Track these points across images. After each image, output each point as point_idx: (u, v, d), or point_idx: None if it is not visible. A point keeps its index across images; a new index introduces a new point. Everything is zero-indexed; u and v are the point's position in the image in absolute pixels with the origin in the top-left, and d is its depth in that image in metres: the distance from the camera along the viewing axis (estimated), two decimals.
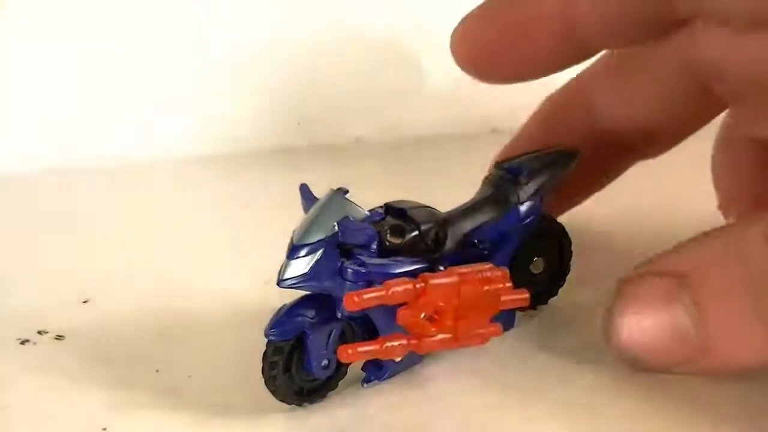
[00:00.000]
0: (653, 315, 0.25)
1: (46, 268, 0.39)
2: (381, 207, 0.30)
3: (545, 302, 0.33)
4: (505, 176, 0.32)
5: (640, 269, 0.27)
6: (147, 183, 0.50)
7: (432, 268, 0.29)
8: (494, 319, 0.29)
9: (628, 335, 0.26)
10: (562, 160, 0.32)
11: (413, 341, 0.28)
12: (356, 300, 0.26)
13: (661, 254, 0.27)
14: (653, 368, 0.26)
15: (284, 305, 0.28)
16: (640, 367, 0.26)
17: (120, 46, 0.53)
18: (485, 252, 0.31)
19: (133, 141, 0.53)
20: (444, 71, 0.57)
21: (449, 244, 0.30)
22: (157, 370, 0.31)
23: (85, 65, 0.52)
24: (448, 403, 0.29)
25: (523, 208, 0.31)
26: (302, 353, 0.28)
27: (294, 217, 0.28)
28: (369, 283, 0.27)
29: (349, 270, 0.27)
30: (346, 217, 0.27)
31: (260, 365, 0.28)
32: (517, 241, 0.31)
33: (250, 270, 0.36)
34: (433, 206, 0.31)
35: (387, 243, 0.29)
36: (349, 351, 0.27)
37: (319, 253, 0.27)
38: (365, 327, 0.29)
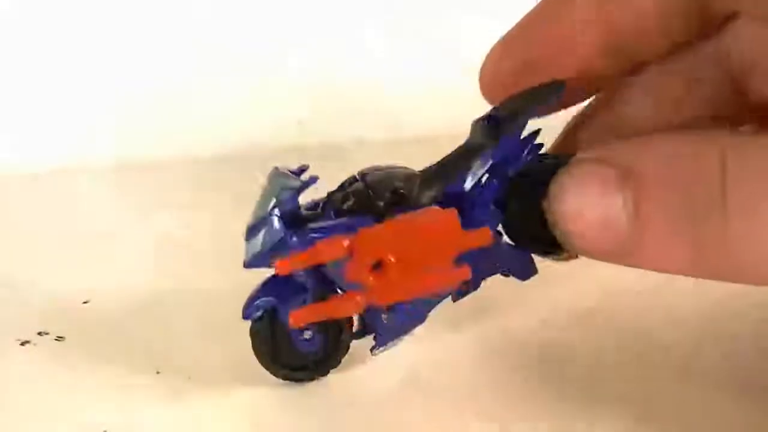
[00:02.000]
0: (592, 202, 0.26)
1: (46, 269, 0.39)
2: (354, 175, 0.30)
3: (561, 254, 0.31)
4: (484, 123, 0.30)
5: (591, 152, 0.27)
6: (147, 183, 0.50)
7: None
8: (502, 268, 0.29)
9: (565, 214, 0.26)
10: (545, 92, 0.30)
11: (370, 295, 0.28)
12: (285, 264, 0.27)
13: (615, 142, 0.27)
14: (583, 253, 0.27)
15: (257, 285, 0.29)
16: (572, 247, 0.27)
17: (120, 47, 0.53)
18: (466, 199, 0.29)
19: (133, 141, 0.53)
20: (444, 71, 0.57)
21: (422, 196, 0.29)
22: (158, 372, 0.31)
23: (85, 65, 0.52)
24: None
25: (497, 149, 0.29)
26: (284, 326, 0.29)
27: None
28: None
29: (293, 239, 0.27)
30: (283, 190, 0.28)
31: (260, 365, 0.29)
32: (500, 183, 0.30)
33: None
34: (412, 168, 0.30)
35: (343, 208, 0.29)
36: (300, 313, 0.28)
37: (266, 228, 0.28)
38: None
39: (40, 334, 0.33)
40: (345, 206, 0.29)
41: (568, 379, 0.30)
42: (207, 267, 0.39)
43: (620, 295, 0.34)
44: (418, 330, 0.30)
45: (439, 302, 0.30)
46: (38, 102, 0.52)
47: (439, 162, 0.30)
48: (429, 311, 0.30)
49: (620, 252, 0.26)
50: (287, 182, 0.28)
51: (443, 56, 0.56)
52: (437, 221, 0.28)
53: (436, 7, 0.57)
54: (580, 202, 0.26)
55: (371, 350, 0.29)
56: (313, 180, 0.28)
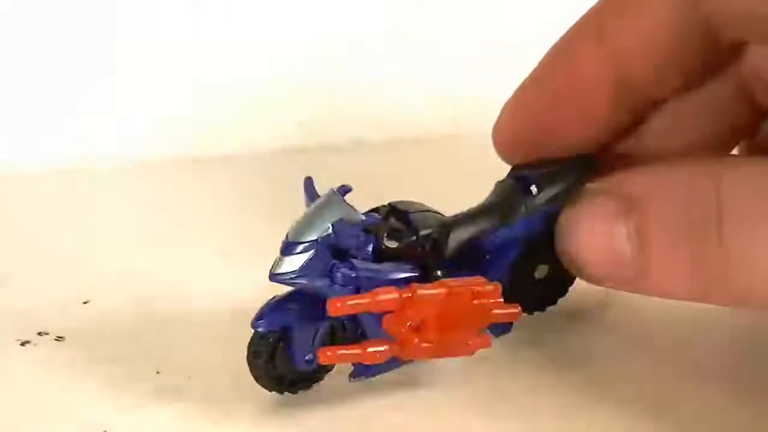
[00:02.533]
0: (599, 234, 0.27)
1: (46, 269, 0.39)
2: (385, 206, 0.30)
3: (543, 309, 0.33)
4: (516, 185, 0.31)
5: (598, 185, 0.28)
6: (147, 183, 0.50)
7: (426, 274, 0.28)
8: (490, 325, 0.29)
9: (575, 246, 0.27)
10: (579, 170, 0.30)
11: (396, 348, 0.28)
12: (339, 306, 0.26)
13: (618, 174, 0.28)
14: (593, 281, 0.28)
15: (274, 297, 0.28)
16: (583, 276, 0.28)
17: (119, 47, 0.53)
18: (486, 257, 0.30)
19: (133, 142, 0.53)
20: (444, 71, 0.57)
21: (450, 247, 0.29)
22: (158, 371, 0.31)
23: (85, 65, 0.52)
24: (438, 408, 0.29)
25: (530, 220, 0.30)
26: (287, 344, 0.28)
27: (294, 217, 0.28)
28: (357, 288, 0.27)
29: (339, 273, 0.27)
30: (341, 220, 0.27)
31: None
32: (520, 251, 0.31)
33: (251, 271, 0.36)
34: (435, 208, 0.30)
35: (383, 247, 0.28)
36: (329, 353, 0.27)
37: (312, 252, 0.27)
38: (356, 327, 0.29)
39: (40, 334, 0.33)
40: (385, 243, 0.28)
41: (567, 379, 0.30)
42: (207, 267, 0.39)
43: (620, 294, 0.34)
44: None
45: None
46: (38, 102, 0.52)
47: (470, 214, 0.30)
48: None
49: (627, 281, 0.27)
50: (348, 214, 0.27)
51: (443, 56, 0.56)
52: (484, 293, 0.28)
53: (436, 7, 0.57)
54: (588, 233, 0.27)
55: (349, 377, 0.29)
56: (373, 219, 0.28)
